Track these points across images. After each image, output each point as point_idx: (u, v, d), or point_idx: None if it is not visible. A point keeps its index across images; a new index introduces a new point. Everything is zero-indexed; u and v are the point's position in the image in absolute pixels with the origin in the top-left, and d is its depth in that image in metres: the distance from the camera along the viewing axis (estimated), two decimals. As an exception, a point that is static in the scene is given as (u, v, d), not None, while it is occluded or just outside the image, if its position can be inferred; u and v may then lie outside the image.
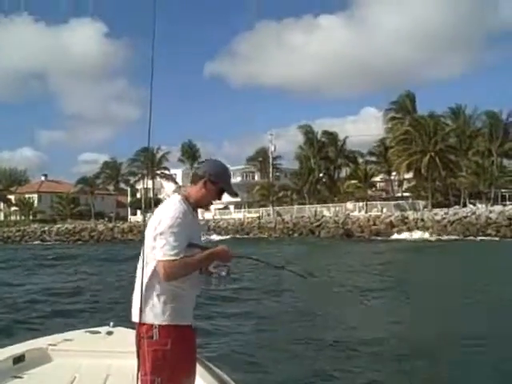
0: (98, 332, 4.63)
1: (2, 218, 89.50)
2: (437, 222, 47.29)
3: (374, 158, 69.37)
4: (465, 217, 46.84)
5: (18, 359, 4.04)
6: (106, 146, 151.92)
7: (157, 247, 2.84)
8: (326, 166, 70.35)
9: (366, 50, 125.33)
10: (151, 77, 2.73)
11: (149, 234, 2.93)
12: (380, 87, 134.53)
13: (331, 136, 70.29)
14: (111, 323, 4.65)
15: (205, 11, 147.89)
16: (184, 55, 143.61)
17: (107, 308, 11.76)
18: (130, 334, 4.25)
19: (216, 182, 3.04)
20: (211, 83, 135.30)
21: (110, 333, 4.57)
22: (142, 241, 2.93)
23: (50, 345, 4.35)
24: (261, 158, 75.55)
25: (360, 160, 70.45)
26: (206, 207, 3.17)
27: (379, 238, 46.90)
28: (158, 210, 3.00)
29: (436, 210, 50.83)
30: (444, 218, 47.57)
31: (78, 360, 4.10)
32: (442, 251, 33.47)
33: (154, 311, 2.90)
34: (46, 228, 69.90)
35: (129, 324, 4.49)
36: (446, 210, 50.18)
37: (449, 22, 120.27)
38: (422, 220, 48.50)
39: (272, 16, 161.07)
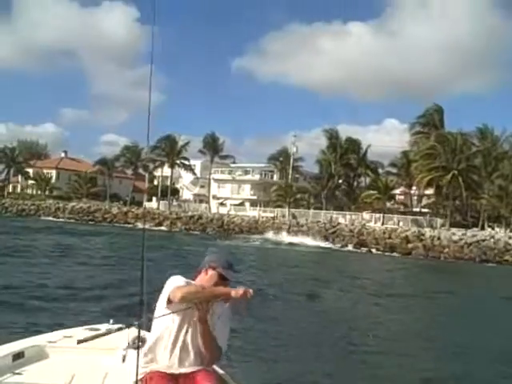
0: (98, 329, 4.57)
1: (19, 191, 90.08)
2: (454, 242, 46.55)
3: (395, 170, 68.68)
4: (483, 240, 46.03)
5: (18, 356, 4.05)
6: (127, 129, 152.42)
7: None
8: (346, 172, 69.76)
9: (393, 60, 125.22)
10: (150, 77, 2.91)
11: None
12: (405, 99, 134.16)
13: (354, 143, 69.60)
14: (111, 320, 4.60)
15: (234, 7, 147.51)
16: (212, 48, 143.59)
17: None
18: (129, 332, 4.35)
19: (214, 267, 3.56)
20: (237, 79, 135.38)
21: (109, 331, 4.36)
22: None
23: (50, 342, 4.39)
24: (282, 158, 75.04)
25: (380, 171, 69.88)
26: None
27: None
28: None
29: (454, 230, 50.04)
30: (461, 239, 46.78)
31: (77, 357, 4.12)
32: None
33: None
34: (61, 205, 70.21)
35: (129, 321, 4.23)
36: (463, 230, 49.39)
37: (480, 38, 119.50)
38: (439, 238, 47.74)
39: (302, 19, 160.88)
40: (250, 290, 3.41)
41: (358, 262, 37.67)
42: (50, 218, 64.49)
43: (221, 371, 3.77)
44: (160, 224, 60.82)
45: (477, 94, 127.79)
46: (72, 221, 62.48)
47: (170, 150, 74.41)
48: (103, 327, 4.54)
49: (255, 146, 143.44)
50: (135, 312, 3.26)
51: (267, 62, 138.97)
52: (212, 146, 76.16)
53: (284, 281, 20.31)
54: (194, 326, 3.49)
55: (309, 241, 51.18)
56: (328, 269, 29.27)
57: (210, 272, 3.55)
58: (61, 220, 63.03)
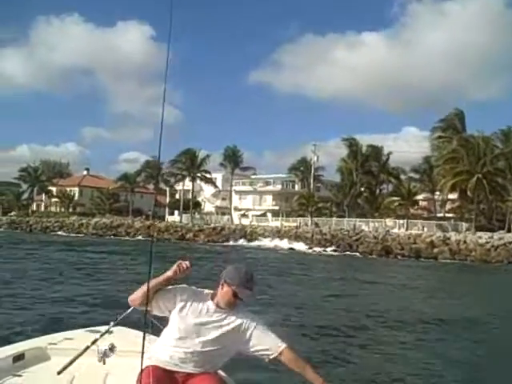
0: (98, 331, 4.52)
1: (43, 209, 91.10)
2: (480, 246, 45.79)
3: (417, 176, 68.00)
4: (510, 242, 45.22)
5: (18, 358, 4.08)
6: (147, 146, 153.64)
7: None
8: (368, 180, 69.22)
9: (408, 68, 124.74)
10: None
11: None
12: (423, 106, 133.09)
13: (376, 150, 69.14)
14: (111, 322, 4.49)
15: (247, 22, 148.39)
16: (228, 63, 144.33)
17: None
18: (130, 334, 4.65)
19: (229, 284, 3.55)
20: (254, 92, 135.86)
21: (110, 332, 4.49)
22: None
23: (50, 344, 4.40)
24: (302, 168, 74.90)
25: (403, 177, 69.25)
26: (230, 305, 3.57)
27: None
28: None
29: (480, 233, 49.24)
30: (488, 242, 46.00)
31: (77, 359, 4.03)
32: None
33: None
34: (84, 221, 70.77)
35: (129, 324, 4.59)
36: (490, 233, 48.56)
37: (496, 40, 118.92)
38: (465, 242, 47.01)
39: (316, 31, 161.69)
40: (185, 262, 3.62)
41: (385, 265, 37.18)
42: (71, 234, 65.36)
43: (223, 374, 3.73)
44: (183, 236, 61.01)
45: (495, 98, 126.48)
46: (94, 237, 62.72)
47: (191, 164, 74.75)
48: (104, 329, 4.51)
49: (274, 159, 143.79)
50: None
51: (283, 74, 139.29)
52: (232, 159, 76.30)
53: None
54: (201, 331, 3.53)
55: (331, 248, 51.20)
56: (355, 272, 28.88)
57: (226, 288, 3.57)
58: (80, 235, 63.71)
